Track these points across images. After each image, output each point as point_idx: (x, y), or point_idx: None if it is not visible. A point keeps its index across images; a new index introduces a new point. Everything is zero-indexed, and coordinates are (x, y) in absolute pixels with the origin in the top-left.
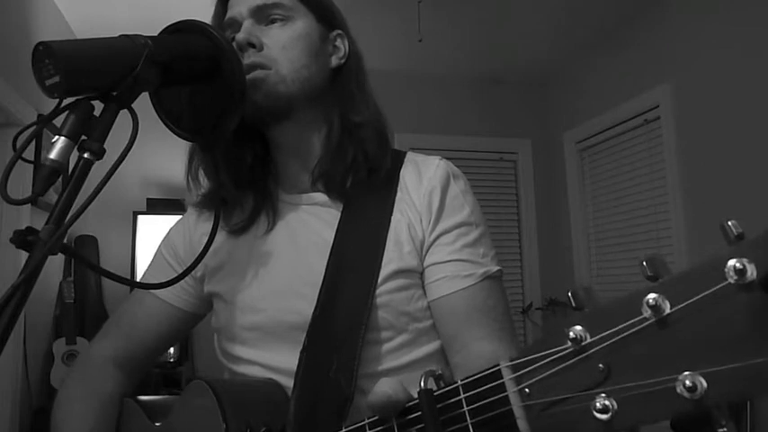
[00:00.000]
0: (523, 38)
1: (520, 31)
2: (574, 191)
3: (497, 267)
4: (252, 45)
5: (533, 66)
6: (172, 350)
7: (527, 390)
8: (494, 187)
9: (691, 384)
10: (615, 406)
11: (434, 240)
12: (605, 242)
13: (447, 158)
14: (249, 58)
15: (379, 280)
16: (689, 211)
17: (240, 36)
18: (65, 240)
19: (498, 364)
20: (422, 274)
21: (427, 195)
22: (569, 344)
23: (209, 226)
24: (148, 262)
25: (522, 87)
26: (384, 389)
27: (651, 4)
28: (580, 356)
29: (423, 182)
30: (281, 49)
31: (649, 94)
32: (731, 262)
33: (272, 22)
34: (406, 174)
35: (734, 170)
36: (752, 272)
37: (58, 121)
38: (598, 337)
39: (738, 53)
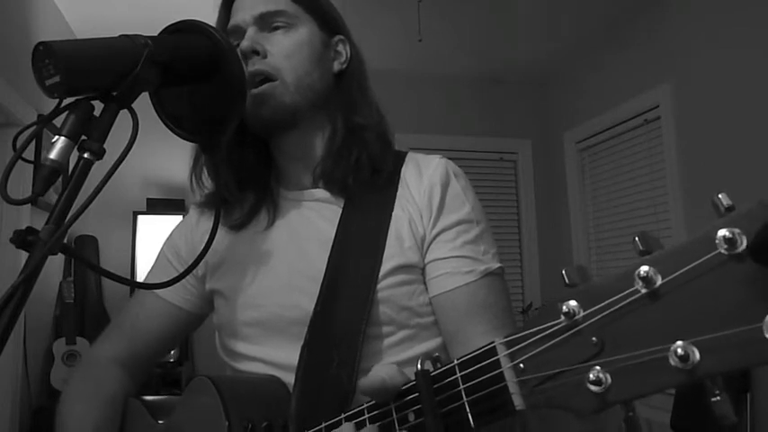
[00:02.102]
0: (523, 38)
1: (520, 31)
2: (574, 191)
3: (498, 264)
4: (256, 52)
5: (533, 66)
6: (172, 350)
7: (521, 365)
8: (494, 187)
9: (683, 353)
10: (609, 378)
11: (435, 237)
12: (605, 242)
13: (447, 158)
14: (254, 65)
15: (380, 275)
16: (689, 211)
17: (244, 44)
18: (65, 240)
19: (493, 342)
20: (423, 270)
21: (427, 192)
22: (563, 318)
23: (210, 225)
24: (148, 262)
25: (522, 87)
26: (380, 373)
27: (651, 4)
28: (573, 330)
29: (423, 179)
30: (285, 58)
31: (649, 94)
32: (721, 232)
33: (276, 29)
34: (407, 172)
35: (734, 170)
36: (742, 241)
37: (58, 121)
38: (591, 310)
39: (738, 53)
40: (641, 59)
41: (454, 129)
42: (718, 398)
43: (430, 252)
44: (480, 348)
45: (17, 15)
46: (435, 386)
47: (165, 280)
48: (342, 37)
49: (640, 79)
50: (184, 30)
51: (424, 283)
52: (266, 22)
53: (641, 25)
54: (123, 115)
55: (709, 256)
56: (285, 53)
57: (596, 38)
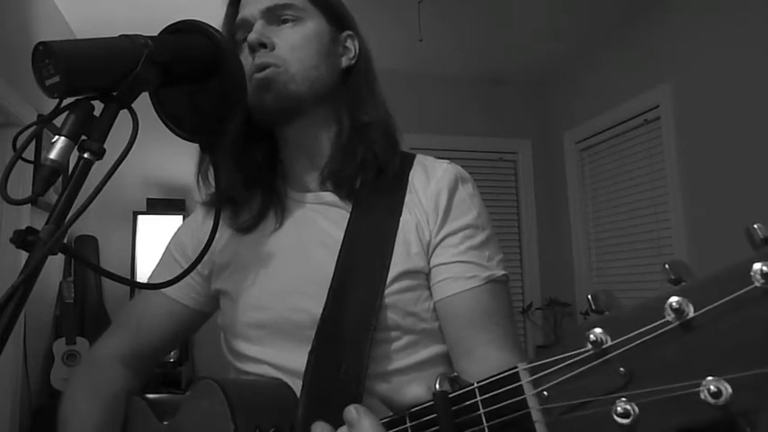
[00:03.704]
0: (523, 38)
1: (520, 31)
2: (574, 191)
3: (503, 272)
4: (263, 45)
5: (533, 66)
6: (175, 348)
7: (545, 393)
8: (494, 187)
9: (715, 390)
10: (637, 411)
11: (440, 242)
12: (605, 242)
13: (447, 158)
14: (260, 58)
15: (387, 281)
16: (689, 211)
17: (252, 37)
18: (65, 240)
19: (516, 367)
20: (428, 274)
21: (434, 197)
22: (589, 347)
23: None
24: (148, 262)
25: (522, 87)
26: None
27: (651, 4)
28: (600, 360)
29: (431, 184)
30: (292, 50)
31: (649, 94)
32: (757, 266)
33: (284, 22)
34: (415, 176)
35: (734, 170)
36: None
37: (58, 122)
38: (619, 340)
39: (738, 53)
40: (641, 59)
41: (454, 129)
42: None
43: (434, 257)
44: (502, 373)
45: (17, 15)
46: (454, 408)
47: (170, 278)
48: (351, 32)
49: (640, 79)
50: (184, 30)
51: (429, 289)
52: (274, 15)
53: (641, 25)
54: (123, 115)
55: (744, 290)
56: (292, 46)
57: (596, 38)
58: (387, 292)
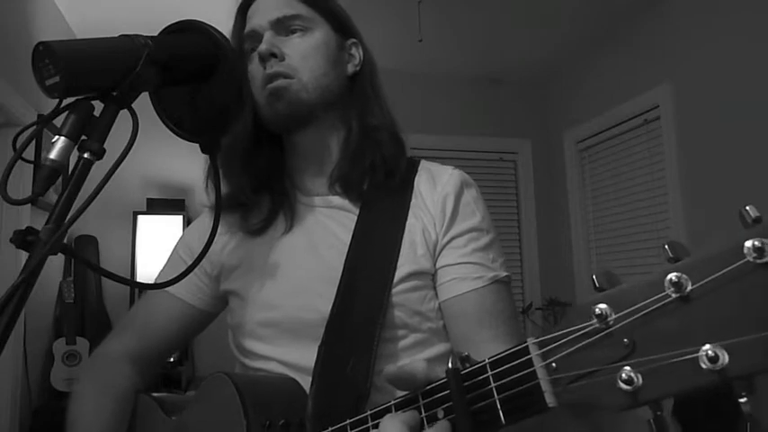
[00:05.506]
0: (523, 38)
1: (520, 31)
2: (574, 191)
3: (506, 273)
4: (274, 55)
5: (533, 66)
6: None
7: (554, 364)
8: (494, 187)
9: (713, 355)
10: (640, 378)
11: (446, 244)
12: (605, 242)
13: (447, 158)
14: (272, 67)
15: (394, 281)
16: (689, 211)
17: (263, 47)
18: (65, 240)
19: (526, 341)
20: (434, 275)
21: (441, 201)
22: (594, 320)
23: (225, 227)
24: (148, 262)
25: (522, 87)
26: (410, 365)
27: (651, 4)
28: (605, 332)
29: (437, 188)
30: (302, 59)
31: (649, 94)
32: (749, 242)
33: (292, 32)
34: (421, 181)
35: (734, 170)
36: None
37: (58, 122)
38: (622, 313)
39: (738, 52)
40: (641, 59)
41: (454, 129)
42: (745, 398)
43: (441, 258)
44: (512, 348)
45: (17, 15)
46: (466, 384)
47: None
48: (354, 40)
49: (640, 79)
50: (184, 29)
51: (435, 289)
52: (283, 26)
53: (641, 25)
54: (123, 115)
55: (738, 263)
56: (302, 55)
57: (596, 38)
58: (394, 291)
